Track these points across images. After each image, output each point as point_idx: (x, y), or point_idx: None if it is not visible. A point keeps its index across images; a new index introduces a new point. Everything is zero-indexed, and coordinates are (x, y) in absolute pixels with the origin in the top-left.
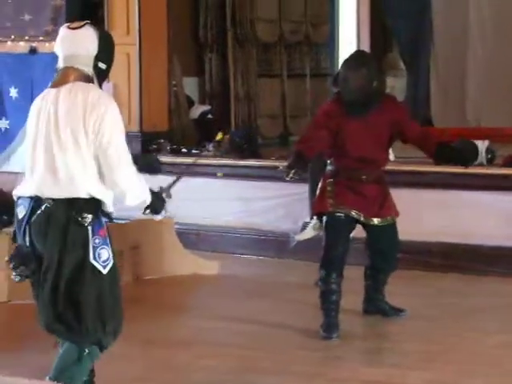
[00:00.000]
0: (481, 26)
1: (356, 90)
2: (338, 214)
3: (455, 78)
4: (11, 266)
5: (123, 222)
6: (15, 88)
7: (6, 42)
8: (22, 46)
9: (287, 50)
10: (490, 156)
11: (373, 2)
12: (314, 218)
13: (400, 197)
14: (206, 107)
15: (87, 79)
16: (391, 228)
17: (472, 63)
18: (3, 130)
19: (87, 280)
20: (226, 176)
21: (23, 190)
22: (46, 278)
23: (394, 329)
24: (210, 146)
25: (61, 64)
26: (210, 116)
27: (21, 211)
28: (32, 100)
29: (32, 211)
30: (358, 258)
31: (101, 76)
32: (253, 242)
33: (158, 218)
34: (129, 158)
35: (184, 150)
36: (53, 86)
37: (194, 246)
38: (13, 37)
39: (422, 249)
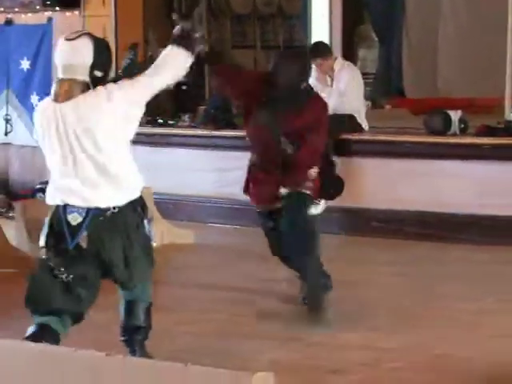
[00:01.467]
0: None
1: (282, 86)
2: None
3: (427, 50)
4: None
5: None
6: None
7: None
8: None
9: (260, 21)
10: (462, 126)
11: None
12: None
13: (374, 166)
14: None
15: (85, 87)
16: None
17: (443, 35)
18: None
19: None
20: (202, 146)
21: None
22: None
23: (369, 294)
24: (186, 117)
25: (60, 74)
26: (184, 87)
27: (74, 218)
28: (8, 72)
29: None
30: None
31: (98, 83)
32: (228, 212)
33: None
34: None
35: (160, 120)
36: (56, 100)
37: (170, 216)
38: None
39: (395, 217)
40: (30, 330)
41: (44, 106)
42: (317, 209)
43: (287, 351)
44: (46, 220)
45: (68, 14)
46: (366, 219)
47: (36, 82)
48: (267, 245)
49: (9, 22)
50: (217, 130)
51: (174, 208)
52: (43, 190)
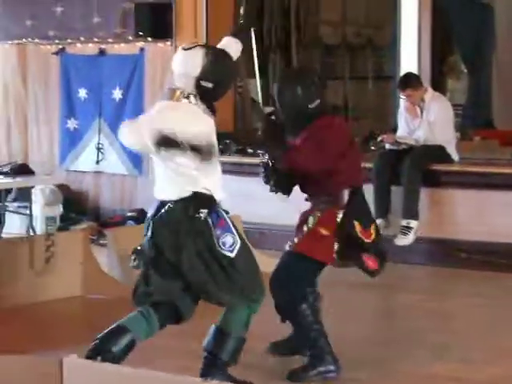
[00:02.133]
0: None
1: (285, 108)
2: None
3: None
4: (133, 255)
5: None
6: (84, 89)
7: (76, 43)
8: (91, 48)
9: (350, 52)
10: None
11: (434, 5)
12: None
13: (466, 197)
14: (270, 109)
15: (187, 98)
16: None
17: None
18: (72, 129)
19: (216, 266)
20: None
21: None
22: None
23: (458, 326)
24: None
25: (175, 82)
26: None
27: (150, 210)
28: (100, 101)
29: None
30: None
31: (208, 94)
32: None
33: None
34: None
35: (250, 150)
36: None
37: (258, 245)
38: (82, 38)
39: (484, 249)
40: None
41: None
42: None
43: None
44: None
45: (160, 44)
46: (454, 250)
47: (128, 111)
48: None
49: (102, 53)
50: None
51: (261, 237)
52: (133, 218)
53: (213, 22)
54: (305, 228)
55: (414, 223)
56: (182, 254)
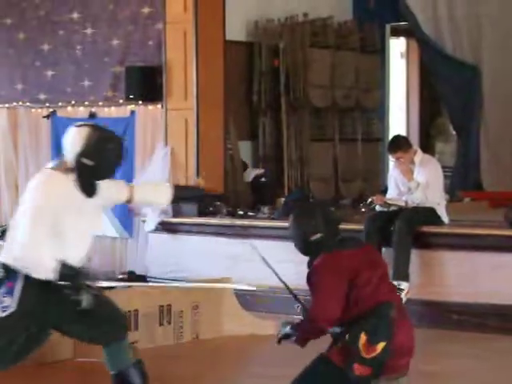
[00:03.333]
0: None
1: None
2: None
3: (505, 143)
4: None
5: (183, 282)
6: None
7: (67, 106)
8: (82, 111)
9: (339, 114)
10: None
11: (422, 69)
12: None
13: (456, 259)
14: (260, 170)
15: (69, 170)
16: None
17: None
18: None
19: None
20: (281, 238)
21: None
22: None
23: None
24: (265, 209)
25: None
26: (263, 179)
27: None
28: None
29: None
30: None
31: (89, 171)
32: (307, 304)
33: None
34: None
35: (240, 212)
36: None
37: (250, 307)
38: (73, 102)
39: (476, 311)
40: None
41: None
42: None
43: None
44: None
45: (150, 107)
46: (446, 312)
47: (118, 173)
48: None
49: (92, 116)
50: None
51: (252, 299)
52: (124, 280)
53: (203, 85)
54: None
55: (404, 285)
56: None
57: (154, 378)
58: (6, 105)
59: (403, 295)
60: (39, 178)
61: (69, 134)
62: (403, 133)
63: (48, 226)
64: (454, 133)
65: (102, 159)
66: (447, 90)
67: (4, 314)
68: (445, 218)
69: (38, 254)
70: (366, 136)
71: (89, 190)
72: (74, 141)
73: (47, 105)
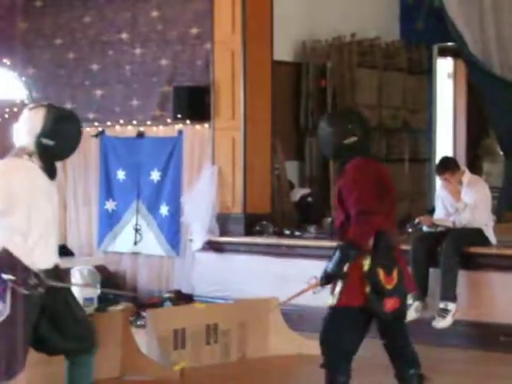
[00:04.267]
0: None
1: (324, 148)
2: None
3: None
4: None
5: (230, 301)
6: (122, 170)
7: (115, 126)
8: (130, 130)
9: (386, 135)
10: None
11: (469, 90)
12: (416, 300)
13: (505, 280)
14: (306, 190)
15: (28, 153)
16: None
17: None
18: (110, 210)
19: None
20: (327, 257)
21: None
22: None
23: None
24: (312, 228)
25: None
26: (309, 199)
27: None
28: (138, 182)
29: None
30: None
31: (49, 152)
32: None
33: None
34: None
35: (286, 231)
36: None
37: (296, 327)
38: (121, 121)
39: None
40: None
41: None
42: None
43: None
44: None
45: (198, 126)
46: (494, 334)
47: (166, 192)
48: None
49: (141, 135)
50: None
51: (299, 319)
52: (171, 299)
53: (250, 105)
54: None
55: (451, 306)
56: None
57: None
58: None
59: (450, 316)
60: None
61: (24, 116)
62: (450, 153)
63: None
64: (501, 153)
65: (62, 138)
66: (495, 110)
67: None
68: (492, 239)
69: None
70: (413, 156)
71: (51, 171)
72: (32, 122)
73: (96, 124)
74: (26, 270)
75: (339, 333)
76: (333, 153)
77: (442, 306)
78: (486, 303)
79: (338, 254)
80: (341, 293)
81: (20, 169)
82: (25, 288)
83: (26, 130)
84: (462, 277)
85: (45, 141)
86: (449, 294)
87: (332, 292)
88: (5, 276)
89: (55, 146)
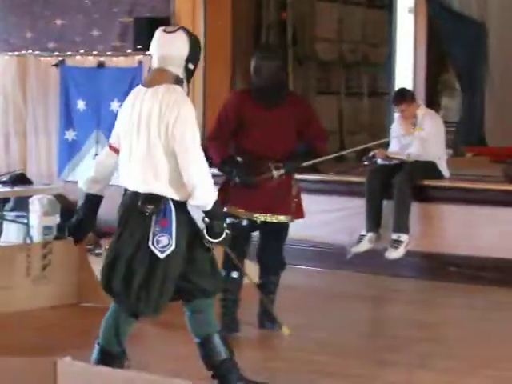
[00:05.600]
0: None
1: (268, 78)
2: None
3: (509, 100)
4: None
5: None
6: (83, 100)
7: (75, 56)
8: (90, 61)
9: (345, 68)
10: None
11: (430, 25)
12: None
13: (456, 213)
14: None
15: (176, 80)
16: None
17: None
18: (70, 140)
19: (143, 261)
20: None
21: (122, 180)
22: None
23: (445, 337)
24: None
25: (154, 64)
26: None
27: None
28: (98, 113)
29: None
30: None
31: (189, 75)
32: (312, 254)
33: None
34: (201, 156)
35: None
36: (144, 85)
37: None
38: (82, 51)
39: (475, 263)
40: None
41: (135, 91)
42: None
43: None
44: None
45: None
46: (443, 264)
47: None
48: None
49: (101, 65)
50: (300, 173)
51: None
52: None
53: (210, 36)
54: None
55: (404, 237)
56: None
57: (160, 326)
58: (16, 53)
59: (403, 247)
60: (177, 99)
61: (166, 40)
62: (410, 87)
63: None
64: (459, 88)
65: (197, 63)
66: (453, 46)
67: (164, 255)
68: (445, 172)
69: (210, 181)
70: (372, 90)
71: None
72: (179, 46)
73: (56, 54)
74: None
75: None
76: (278, 84)
77: (394, 237)
78: (438, 235)
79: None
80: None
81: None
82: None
83: (174, 54)
84: (415, 209)
85: (190, 65)
86: (402, 226)
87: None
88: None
89: (194, 69)
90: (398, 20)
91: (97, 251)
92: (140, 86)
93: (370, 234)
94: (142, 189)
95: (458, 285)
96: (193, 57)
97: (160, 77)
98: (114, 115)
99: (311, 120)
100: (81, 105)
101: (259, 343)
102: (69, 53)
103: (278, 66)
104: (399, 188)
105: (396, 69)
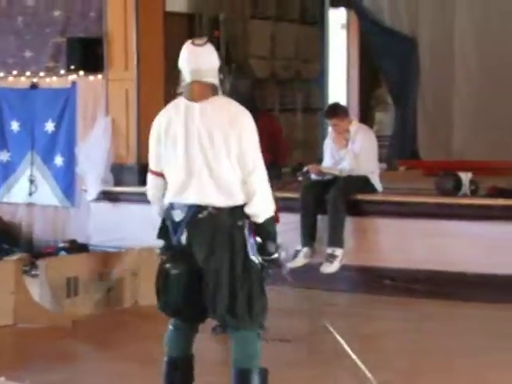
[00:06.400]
0: (466, 65)
1: (244, 95)
2: None
3: (441, 114)
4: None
5: (123, 250)
6: (17, 122)
7: (8, 77)
8: (24, 82)
9: (279, 85)
10: (473, 187)
11: (362, 40)
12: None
13: (389, 226)
14: None
15: (215, 90)
16: None
17: (458, 99)
18: (5, 161)
19: (253, 276)
20: None
21: (180, 198)
22: (219, 277)
23: (379, 349)
24: None
25: (187, 78)
26: None
27: (177, 215)
28: (32, 134)
29: (193, 216)
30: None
31: (221, 85)
32: None
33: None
34: (262, 165)
35: None
36: (191, 100)
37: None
38: (14, 72)
39: (408, 276)
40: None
41: (174, 105)
42: None
43: None
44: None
45: (91, 77)
46: (378, 278)
47: (60, 143)
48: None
49: (34, 86)
50: None
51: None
52: (66, 249)
53: (143, 56)
54: None
55: (339, 251)
56: (214, 253)
57: (95, 344)
58: None
59: (337, 261)
60: (233, 112)
61: (203, 51)
62: (343, 103)
63: None
64: (392, 103)
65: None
66: (385, 61)
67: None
68: (378, 186)
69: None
70: (305, 106)
71: None
72: (213, 57)
73: None
74: None
75: None
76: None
77: (329, 251)
78: (372, 248)
79: None
80: None
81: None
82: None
83: (212, 67)
84: (349, 223)
85: (220, 76)
86: (336, 240)
87: None
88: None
89: (223, 81)
90: (331, 36)
91: (33, 272)
92: (181, 101)
93: (306, 249)
94: (203, 201)
95: (392, 298)
96: (220, 67)
97: (204, 90)
98: (49, 136)
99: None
100: (15, 126)
101: None
102: (1, 74)
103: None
104: (333, 203)
105: (329, 84)
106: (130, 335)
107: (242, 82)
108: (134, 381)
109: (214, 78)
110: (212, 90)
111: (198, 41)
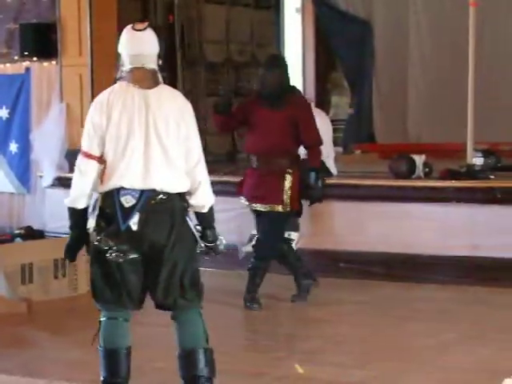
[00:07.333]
0: (420, 49)
1: (271, 85)
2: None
3: (396, 96)
4: (108, 245)
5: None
6: None
7: None
8: None
9: (234, 69)
10: (427, 170)
11: (317, 24)
12: None
13: (342, 209)
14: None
15: (156, 76)
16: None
17: (412, 82)
18: None
19: (197, 257)
20: None
21: (130, 183)
22: (176, 260)
23: (334, 332)
24: None
25: (127, 63)
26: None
27: (127, 200)
28: None
29: (147, 200)
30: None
31: (159, 71)
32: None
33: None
34: (203, 156)
35: None
36: (138, 86)
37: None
38: None
39: (362, 258)
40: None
41: (116, 91)
42: None
43: None
44: (96, 205)
45: (45, 63)
46: (333, 260)
47: (15, 130)
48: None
49: None
50: None
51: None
52: (21, 235)
53: (97, 41)
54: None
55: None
56: (173, 236)
57: (50, 331)
58: None
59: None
60: (182, 104)
61: (143, 36)
62: (300, 87)
63: None
64: (347, 87)
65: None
66: (340, 45)
67: None
68: (333, 170)
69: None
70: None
71: None
72: (155, 43)
73: None
74: None
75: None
76: (281, 89)
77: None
78: (327, 232)
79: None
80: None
81: None
82: None
83: (152, 52)
84: (305, 207)
85: (160, 61)
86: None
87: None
88: None
89: (161, 67)
90: (286, 20)
91: None
92: (121, 85)
93: None
94: (159, 187)
95: (347, 280)
96: (159, 53)
97: (147, 76)
98: (3, 122)
99: (308, 127)
100: None
101: None
102: None
103: (278, 74)
104: None
105: None
106: (86, 321)
107: (272, 72)
108: (91, 367)
109: (154, 64)
110: (153, 77)
111: (138, 25)
